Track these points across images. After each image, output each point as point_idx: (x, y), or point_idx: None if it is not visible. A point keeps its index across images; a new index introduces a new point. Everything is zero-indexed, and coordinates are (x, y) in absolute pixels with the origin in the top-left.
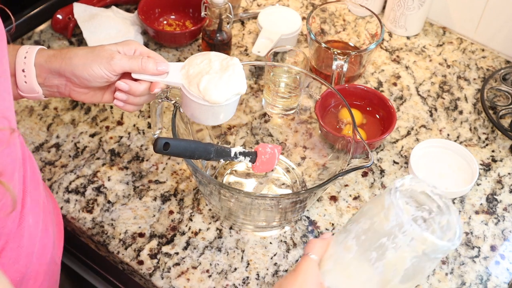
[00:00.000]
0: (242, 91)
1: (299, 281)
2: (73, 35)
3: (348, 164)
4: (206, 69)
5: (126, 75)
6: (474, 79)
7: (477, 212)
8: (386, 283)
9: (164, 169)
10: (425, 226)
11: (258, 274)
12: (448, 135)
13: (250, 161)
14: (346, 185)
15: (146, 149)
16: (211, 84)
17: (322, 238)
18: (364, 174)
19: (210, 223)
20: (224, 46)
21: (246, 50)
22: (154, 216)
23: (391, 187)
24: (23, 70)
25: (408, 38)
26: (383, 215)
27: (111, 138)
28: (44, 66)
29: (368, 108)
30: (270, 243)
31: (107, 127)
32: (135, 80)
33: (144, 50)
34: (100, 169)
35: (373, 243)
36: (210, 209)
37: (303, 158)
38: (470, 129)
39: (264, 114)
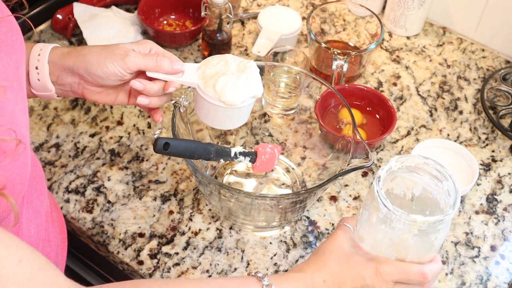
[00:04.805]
0: (258, 94)
1: (337, 243)
2: (73, 35)
3: (348, 164)
4: (223, 70)
5: (141, 75)
6: (474, 79)
7: (477, 212)
8: (402, 261)
9: (164, 169)
10: (436, 192)
11: None
12: (448, 135)
13: (250, 161)
14: (346, 185)
15: (146, 149)
16: (228, 85)
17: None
18: (364, 174)
19: (210, 223)
20: (224, 46)
21: (246, 50)
22: (154, 216)
23: (377, 175)
24: (36, 68)
25: (408, 38)
26: (375, 206)
27: (111, 138)
28: (58, 64)
29: (368, 108)
30: (270, 243)
31: (107, 127)
32: (150, 79)
33: (159, 49)
34: (100, 169)
35: (376, 231)
36: (210, 209)
37: (303, 158)
38: (470, 129)
39: (264, 114)
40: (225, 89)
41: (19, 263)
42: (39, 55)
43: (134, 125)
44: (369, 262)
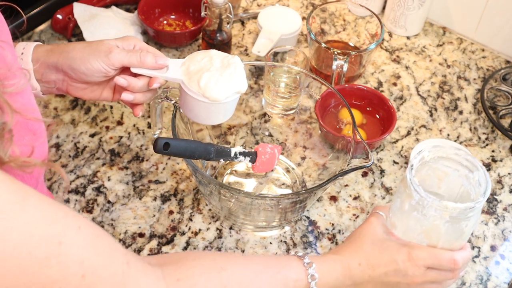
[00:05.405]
0: (242, 90)
1: (371, 229)
2: (73, 35)
3: (348, 164)
4: (207, 66)
5: (125, 71)
6: (474, 79)
7: None
8: (433, 247)
9: (164, 169)
10: (467, 183)
11: None
12: (448, 135)
13: (250, 161)
14: (346, 185)
15: (146, 149)
16: (212, 81)
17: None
18: (364, 174)
19: (210, 223)
20: (224, 46)
21: (246, 50)
22: (154, 216)
23: (410, 163)
24: None
25: (408, 38)
26: (407, 193)
27: (111, 138)
28: (42, 61)
29: (368, 108)
30: (270, 243)
31: (107, 127)
32: (134, 76)
33: (144, 45)
34: (100, 169)
35: (409, 217)
36: (210, 209)
37: (303, 158)
38: (470, 129)
39: (264, 114)
40: (209, 85)
41: (78, 230)
42: (22, 53)
43: (134, 125)
44: (402, 247)
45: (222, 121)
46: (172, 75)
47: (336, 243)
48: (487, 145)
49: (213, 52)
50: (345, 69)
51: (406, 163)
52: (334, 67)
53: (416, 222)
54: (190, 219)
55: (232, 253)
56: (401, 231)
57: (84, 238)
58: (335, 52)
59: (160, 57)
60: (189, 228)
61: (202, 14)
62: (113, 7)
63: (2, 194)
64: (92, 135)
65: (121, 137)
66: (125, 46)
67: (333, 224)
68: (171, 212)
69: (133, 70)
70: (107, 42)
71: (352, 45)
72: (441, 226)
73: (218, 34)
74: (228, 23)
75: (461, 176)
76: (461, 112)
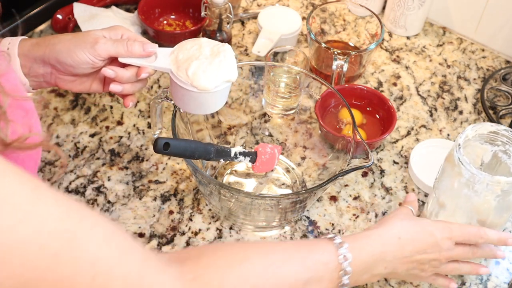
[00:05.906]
0: (232, 79)
1: (403, 212)
2: None
3: (348, 164)
4: (196, 55)
5: (114, 61)
6: (474, 79)
7: None
8: (483, 222)
9: (164, 169)
10: (506, 157)
11: None
12: (448, 135)
13: (250, 161)
14: (346, 185)
15: (146, 149)
16: (200, 70)
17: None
18: (364, 174)
19: (210, 223)
20: None
21: (246, 50)
22: (154, 216)
23: (456, 143)
24: None
25: (408, 38)
26: (456, 171)
27: (111, 138)
28: (28, 55)
29: (368, 108)
30: None
31: (107, 127)
32: (123, 66)
33: (131, 34)
34: (100, 169)
35: (458, 196)
36: (210, 209)
37: (303, 158)
38: None
39: (264, 114)
40: (197, 74)
41: (92, 226)
42: (8, 49)
43: (134, 125)
44: (436, 222)
45: (213, 111)
46: (160, 64)
47: None
48: None
49: (203, 40)
50: (345, 69)
51: (406, 163)
52: (334, 67)
53: (466, 199)
54: (190, 219)
55: (258, 241)
56: (451, 209)
57: (98, 235)
58: (335, 52)
59: (148, 44)
60: (189, 228)
61: (202, 14)
62: (113, 7)
63: (13, 185)
64: (92, 135)
65: (121, 137)
66: (112, 36)
67: (333, 224)
68: (171, 212)
69: (121, 60)
70: (93, 32)
71: (352, 45)
72: (492, 201)
73: (218, 34)
74: (228, 23)
75: (501, 151)
76: (461, 112)
